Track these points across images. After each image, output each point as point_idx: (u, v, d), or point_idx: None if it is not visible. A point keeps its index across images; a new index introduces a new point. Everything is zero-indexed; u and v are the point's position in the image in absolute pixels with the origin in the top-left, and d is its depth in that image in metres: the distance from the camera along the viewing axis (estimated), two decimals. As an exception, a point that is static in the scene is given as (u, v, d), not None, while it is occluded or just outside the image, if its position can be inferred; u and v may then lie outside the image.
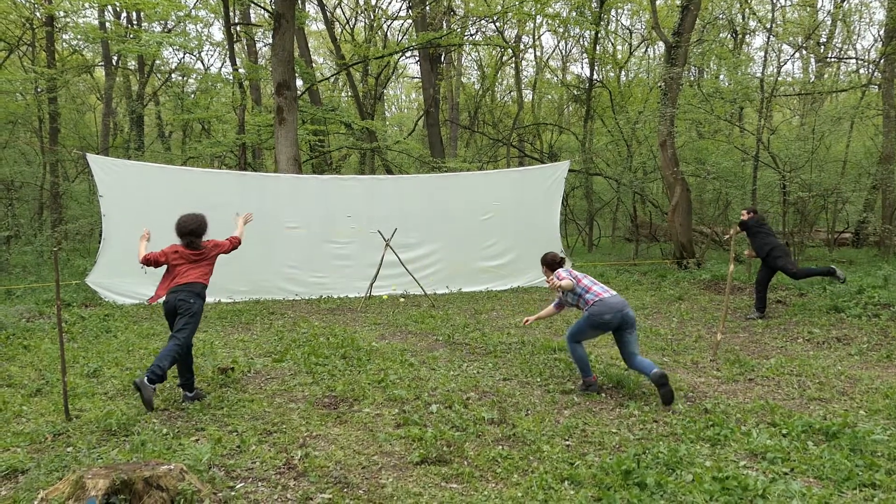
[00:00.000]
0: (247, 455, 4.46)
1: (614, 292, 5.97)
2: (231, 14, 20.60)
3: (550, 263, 6.36)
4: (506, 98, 33.23)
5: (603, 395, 5.95)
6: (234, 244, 6.16)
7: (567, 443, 4.72)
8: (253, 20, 24.50)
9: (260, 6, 18.14)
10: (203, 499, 3.61)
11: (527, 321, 6.63)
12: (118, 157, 22.52)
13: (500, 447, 4.61)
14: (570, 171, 23.13)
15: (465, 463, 4.35)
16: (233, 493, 3.83)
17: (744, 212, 10.30)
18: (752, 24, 24.10)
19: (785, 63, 15.31)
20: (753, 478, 3.99)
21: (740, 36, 25.49)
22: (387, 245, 11.41)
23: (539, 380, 6.44)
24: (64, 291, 11.75)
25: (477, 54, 31.61)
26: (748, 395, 5.92)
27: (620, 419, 5.24)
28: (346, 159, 30.36)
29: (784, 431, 4.84)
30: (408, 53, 27.56)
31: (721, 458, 4.38)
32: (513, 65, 30.68)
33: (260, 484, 4.02)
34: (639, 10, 26.60)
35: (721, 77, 19.68)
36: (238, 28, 22.19)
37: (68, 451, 4.47)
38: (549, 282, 6.03)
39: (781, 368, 6.84)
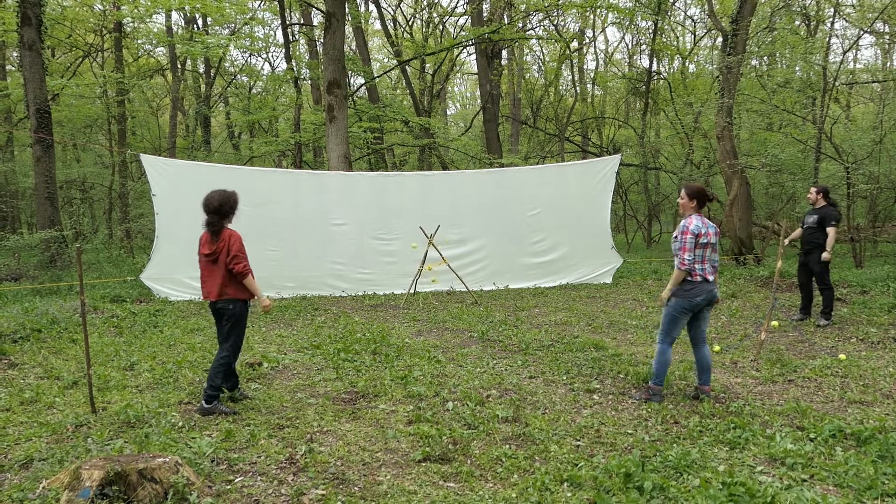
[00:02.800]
0: (254, 449, 4.50)
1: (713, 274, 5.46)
2: (288, 15, 20.97)
3: (698, 195, 5.46)
4: (567, 93, 32.73)
5: (633, 392, 5.77)
6: (240, 271, 5.26)
7: (578, 443, 4.58)
8: (314, 22, 24.87)
9: (313, 6, 18.38)
10: (195, 492, 3.64)
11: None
12: (184, 157, 23.28)
13: (508, 446, 4.51)
14: (628, 165, 22.79)
15: (468, 462, 4.27)
16: (228, 487, 3.86)
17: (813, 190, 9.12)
18: (828, 10, 22.98)
19: (849, 49, 14.43)
20: (766, 484, 3.79)
21: (814, 23, 24.42)
22: (429, 242, 11.38)
23: (565, 378, 6.30)
24: (120, 287, 12.17)
25: (539, 49, 31.29)
26: (783, 397, 5.65)
27: (640, 420, 5.06)
28: (406, 158, 30.55)
29: (811, 436, 4.59)
30: (466, 49, 27.55)
31: (737, 463, 4.18)
32: (574, 59, 30.31)
33: (259, 478, 4.04)
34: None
35: (785, 65, 18.84)
36: (296, 28, 22.55)
37: (87, 441, 4.60)
38: (681, 208, 5.58)
39: (826, 369, 6.50)
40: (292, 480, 4.01)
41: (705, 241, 5.37)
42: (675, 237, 5.43)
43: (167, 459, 3.75)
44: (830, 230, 8.64)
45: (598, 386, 6.01)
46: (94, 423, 4.98)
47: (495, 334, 8.41)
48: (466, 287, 11.69)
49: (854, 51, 14.62)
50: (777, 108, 13.87)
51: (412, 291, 11.99)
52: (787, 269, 12.53)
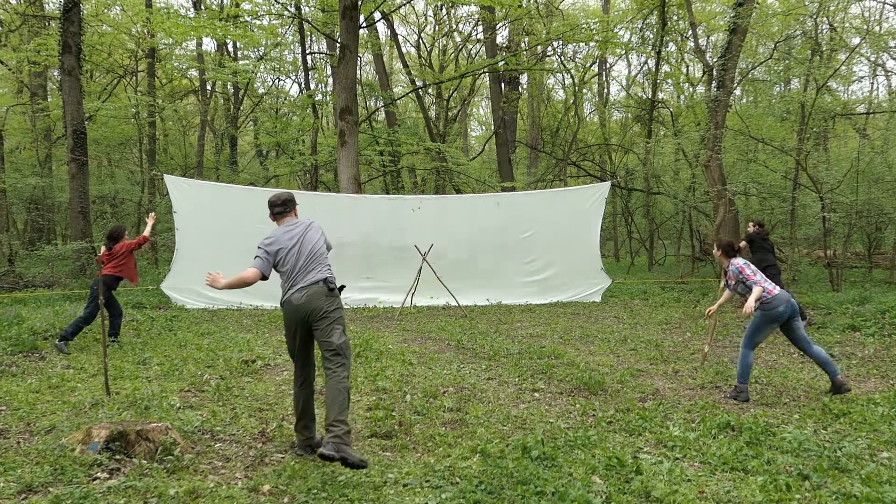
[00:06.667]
0: (235, 425, 5.45)
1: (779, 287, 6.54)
2: (310, 41, 22.20)
3: (727, 249, 6.76)
4: (589, 118, 33.43)
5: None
6: None
7: (503, 428, 5.47)
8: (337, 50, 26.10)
9: (331, 37, 19.61)
10: (179, 449, 4.60)
11: (710, 311, 7.18)
12: (211, 175, 24.59)
13: (444, 428, 5.41)
14: (632, 189, 23.61)
15: (407, 439, 5.18)
16: (207, 448, 4.83)
17: (750, 224, 10.81)
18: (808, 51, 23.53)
19: (824, 83, 15.08)
20: (641, 459, 4.65)
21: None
22: (423, 259, 12.34)
23: (517, 380, 7.19)
24: (142, 295, 13.30)
25: (560, 74, 32.22)
26: (706, 400, 6.45)
27: (565, 412, 5.93)
28: (426, 178, 31.64)
29: (700, 427, 5.42)
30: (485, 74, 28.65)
31: (628, 444, 5.03)
32: (593, 86, 31.31)
33: (234, 445, 5.00)
34: (711, 32, 26.65)
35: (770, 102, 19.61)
36: (316, 55, 23.80)
37: (99, 414, 5.59)
38: (723, 267, 6.76)
39: (755, 379, 7.28)
40: (260, 447, 4.96)
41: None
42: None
43: (159, 424, 4.73)
44: None
45: (542, 386, 6.89)
46: (107, 402, 5.97)
47: (470, 343, 9.32)
48: (457, 301, 12.61)
49: (823, 84, 15.25)
50: (759, 140, 14.68)
51: (411, 305, 12.93)
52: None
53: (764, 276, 6.57)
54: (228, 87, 29.32)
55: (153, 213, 9.72)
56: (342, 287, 4.91)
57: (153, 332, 10.08)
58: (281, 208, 5.16)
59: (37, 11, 22.79)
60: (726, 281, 6.78)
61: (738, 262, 6.56)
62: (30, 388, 6.53)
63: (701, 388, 6.98)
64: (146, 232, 9.36)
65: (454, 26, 30.08)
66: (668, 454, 4.84)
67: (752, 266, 6.58)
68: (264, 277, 4.82)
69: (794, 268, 13.91)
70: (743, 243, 10.53)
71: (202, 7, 24.95)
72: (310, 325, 4.69)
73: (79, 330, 8.68)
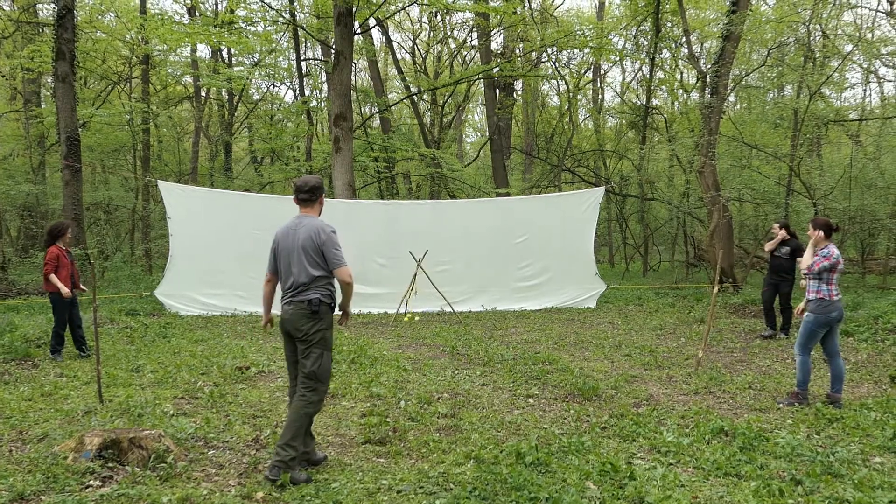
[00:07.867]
0: (229, 432, 5.44)
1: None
2: (304, 48, 22.23)
3: (826, 229, 6.46)
4: (583, 124, 33.49)
5: (565, 400, 6.64)
6: None
7: (498, 433, 5.47)
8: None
9: (326, 43, 19.65)
10: (172, 456, 4.59)
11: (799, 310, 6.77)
12: (205, 181, 24.58)
13: (438, 434, 5.41)
14: (627, 195, 23.66)
15: (401, 445, 5.18)
16: (200, 455, 4.81)
17: (775, 226, 10.82)
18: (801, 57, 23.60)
19: (817, 90, 15.20)
20: (635, 465, 4.66)
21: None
22: (418, 265, 12.35)
23: (511, 385, 7.19)
24: (136, 302, 13.28)
25: (555, 80, 32.33)
26: (700, 405, 6.46)
27: (559, 418, 5.94)
28: (421, 184, 31.70)
29: (694, 432, 5.43)
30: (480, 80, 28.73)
31: (621, 450, 5.04)
32: (587, 92, 31.42)
33: (228, 452, 4.98)
34: (705, 38, 26.78)
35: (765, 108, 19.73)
36: (310, 62, 23.82)
37: (92, 422, 5.57)
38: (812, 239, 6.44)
39: (749, 384, 7.30)
40: (254, 454, 4.95)
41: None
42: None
43: (152, 432, 4.72)
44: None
45: (536, 392, 6.89)
46: (100, 410, 5.95)
47: (465, 349, 9.32)
48: (451, 307, 12.61)
49: (814, 91, 15.39)
50: (753, 146, 14.75)
51: (405, 312, 12.92)
52: (757, 297, 13.33)
53: (836, 278, 6.39)
54: (223, 93, 29.35)
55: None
56: (332, 305, 4.73)
57: (147, 339, 10.05)
58: (307, 195, 4.77)
59: (30, 18, 22.79)
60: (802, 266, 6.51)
61: (834, 252, 6.37)
62: (22, 395, 6.52)
63: (695, 393, 6.99)
64: (48, 272, 8.38)
65: (449, 33, 30.25)
66: (662, 459, 4.84)
67: (840, 267, 6.37)
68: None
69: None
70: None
71: (197, 13, 25.00)
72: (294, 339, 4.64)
73: (60, 337, 8.64)
